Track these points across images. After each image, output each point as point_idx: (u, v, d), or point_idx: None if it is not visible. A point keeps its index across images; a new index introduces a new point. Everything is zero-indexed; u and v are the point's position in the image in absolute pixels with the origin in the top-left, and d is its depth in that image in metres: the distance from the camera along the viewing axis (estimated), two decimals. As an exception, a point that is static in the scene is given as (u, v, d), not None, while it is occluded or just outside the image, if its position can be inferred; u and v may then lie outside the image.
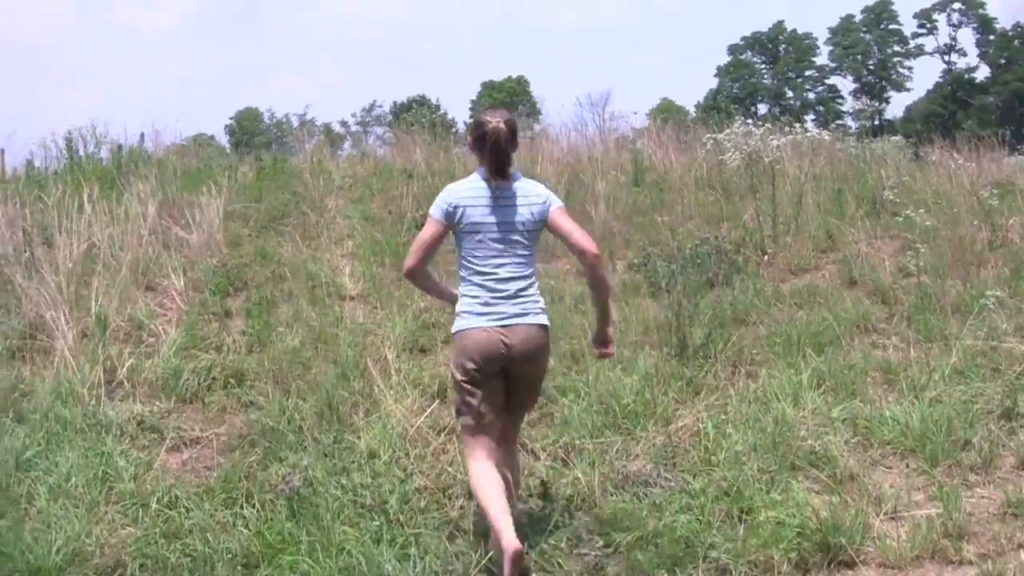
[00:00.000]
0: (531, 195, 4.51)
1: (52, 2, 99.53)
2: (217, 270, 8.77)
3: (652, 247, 9.14)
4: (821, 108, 65.33)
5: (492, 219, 4.42)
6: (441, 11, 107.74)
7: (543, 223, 4.50)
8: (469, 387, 4.39)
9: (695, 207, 10.90)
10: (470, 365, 4.37)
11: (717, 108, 22.00)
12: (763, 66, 71.08)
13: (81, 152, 13.28)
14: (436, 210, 4.48)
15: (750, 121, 10.56)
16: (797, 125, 10.92)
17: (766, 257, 9.21)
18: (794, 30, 70.00)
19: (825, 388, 6.17)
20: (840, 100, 66.62)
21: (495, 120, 4.45)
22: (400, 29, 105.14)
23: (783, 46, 70.18)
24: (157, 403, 6.32)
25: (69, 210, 9.13)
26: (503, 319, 4.38)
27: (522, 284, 4.44)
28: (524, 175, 4.65)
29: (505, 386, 4.45)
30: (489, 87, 59.81)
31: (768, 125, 10.37)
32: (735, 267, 8.78)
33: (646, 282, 8.46)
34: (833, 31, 68.54)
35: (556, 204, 4.53)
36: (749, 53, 71.14)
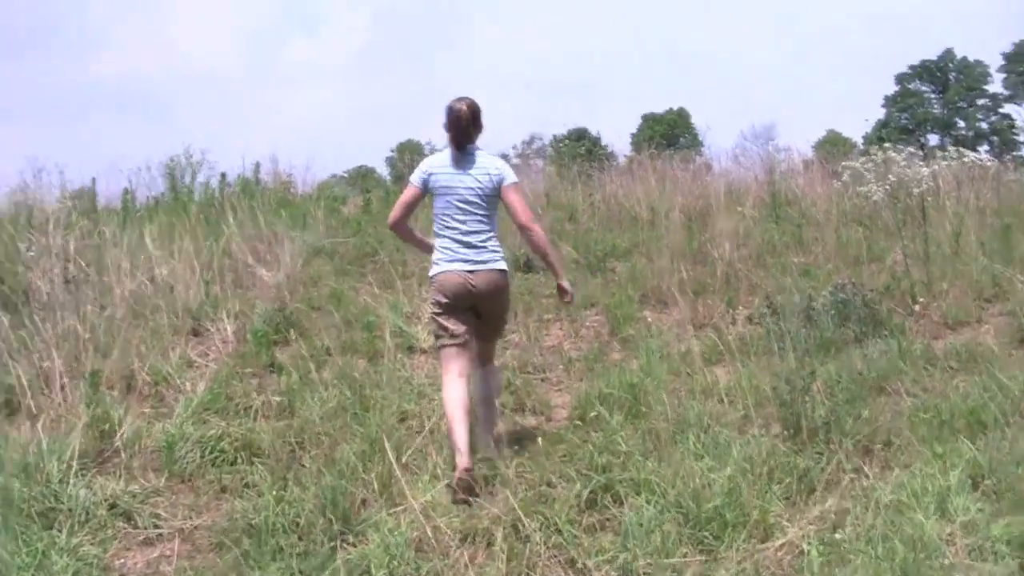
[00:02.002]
0: (488, 167, 5.46)
1: (226, 40, 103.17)
2: (274, 315, 7.69)
3: (779, 294, 7.64)
4: (995, 138, 60.97)
5: (456, 184, 5.42)
6: (606, 45, 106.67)
7: (497, 191, 5.44)
8: (443, 315, 5.41)
9: (836, 246, 9.32)
10: (443, 299, 5.39)
11: (882, 139, 20.04)
12: (932, 95, 67.02)
13: (187, 179, 12.55)
14: (415, 177, 5.56)
15: (888, 145, 8.87)
16: (951, 149, 9.13)
17: (916, 307, 7.63)
18: (964, 57, 65.73)
19: (984, 491, 4.60)
20: (1016, 130, 62.00)
21: (459, 104, 5.45)
22: (565, 63, 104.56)
23: (953, 74, 66.00)
24: (146, 480, 5.22)
25: (131, 244, 8.31)
26: (469, 265, 5.37)
27: (483, 237, 5.42)
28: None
29: (474, 319, 5.46)
30: (649, 119, 58.31)
31: (912, 149, 8.70)
32: (877, 320, 7.21)
33: (768, 338, 6.97)
34: (1007, 57, 63.93)
35: (510, 180, 5.48)
36: (918, 82, 67.20)
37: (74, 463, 5.07)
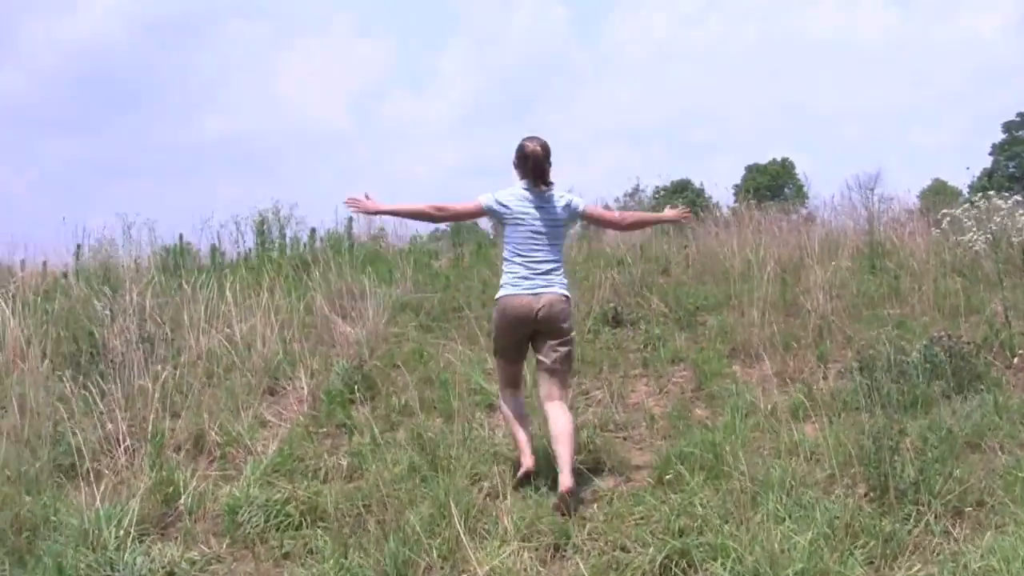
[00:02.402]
0: (562, 199, 5.89)
1: (333, 101, 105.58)
2: (352, 373, 7.51)
3: (873, 347, 7.18)
4: (1104, 187, 58.35)
5: (535, 215, 5.77)
6: (711, 98, 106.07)
7: (575, 217, 6.01)
8: (505, 335, 5.81)
9: (934, 297, 8.79)
10: (506, 321, 5.74)
11: (987, 187, 19.26)
12: (1042, 143, 64.54)
13: (275, 234, 12.57)
14: (484, 199, 5.85)
15: (991, 193, 8.34)
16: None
17: (1016, 360, 7.10)
18: (1075, 105, 63.26)
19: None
20: None
21: (533, 144, 5.81)
22: (667, 114, 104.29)
23: (1063, 122, 63.56)
24: (208, 546, 5.03)
25: (210, 301, 8.26)
26: (535, 289, 5.68)
27: (551, 266, 5.77)
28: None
29: (533, 341, 5.82)
30: (753, 170, 57.53)
31: (1018, 198, 8.15)
32: (973, 374, 6.72)
33: (860, 393, 6.52)
34: (1120, 104, 61.35)
35: (583, 203, 6.04)
36: (1026, 130, 64.83)
37: (132, 529, 4.92)
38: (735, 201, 22.26)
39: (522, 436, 5.72)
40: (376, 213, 6.16)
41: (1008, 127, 64.81)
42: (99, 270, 9.59)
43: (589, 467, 5.93)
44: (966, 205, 8.20)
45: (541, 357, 5.76)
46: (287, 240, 12.65)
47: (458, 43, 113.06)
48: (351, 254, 12.11)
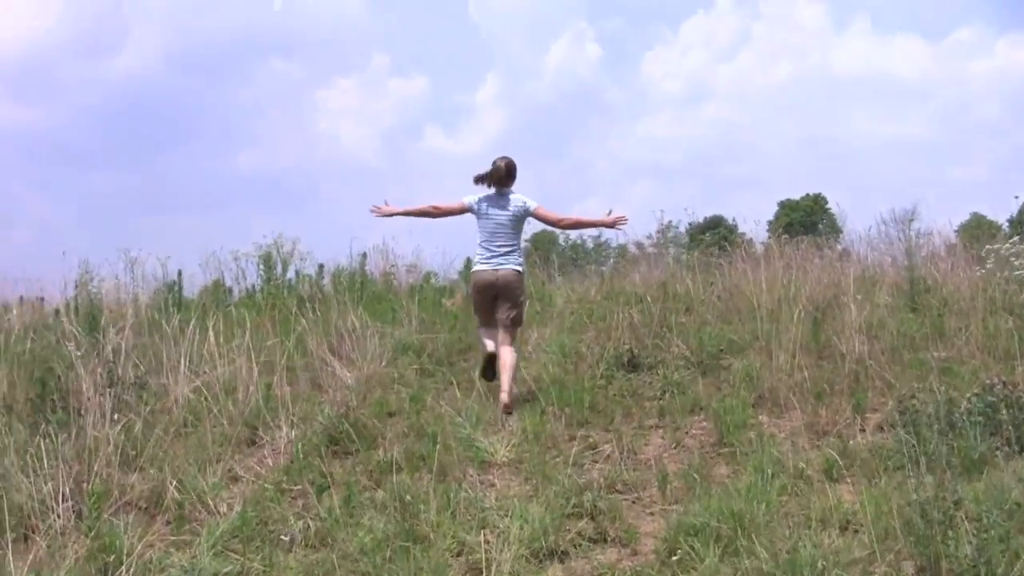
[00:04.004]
0: (518, 201, 7.90)
1: (368, 138, 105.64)
2: (337, 422, 6.84)
3: (915, 396, 6.43)
4: None
5: (497, 212, 7.85)
6: (744, 134, 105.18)
7: (527, 215, 7.91)
8: (476, 299, 8.04)
9: (983, 338, 8.03)
10: (476, 288, 7.97)
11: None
12: (1081, 177, 63.14)
13: (279, 269, 11.96)
14: (467, 200, 7.92)
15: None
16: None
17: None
18: (1118, 135, 61.90)
19: None
20: None
21: (500, 162, 7.90)
22: (699, 150, 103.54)
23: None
24: (142, 628, 4.38)
25: (192, 342, 7.66)
26: (495, 266, 7.80)
27: (508, 249, 7.83)
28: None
29: (495, 301, 7.87)
30: (786, 206, 56.53)
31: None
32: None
33: (903, 451, 5.77)
34: None
35: (534, 204, 7.91)
36: (1068, 161, 63.51)
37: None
38: (768, 237, 21.52)
39: (487, 339, 7.93)
40: (392, 215, 8.02)
41: (1048, 160, 63.43)
42: (85, 308, 8.98)
43: (590, 536, 5.25)
44: (1015, 239, 7.43)
45: (498, 315, 7.84)
46: (288, 276, 12.00)
47: (492, 80, 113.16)
48: (357, 290, 11.49)
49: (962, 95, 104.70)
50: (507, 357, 7.63)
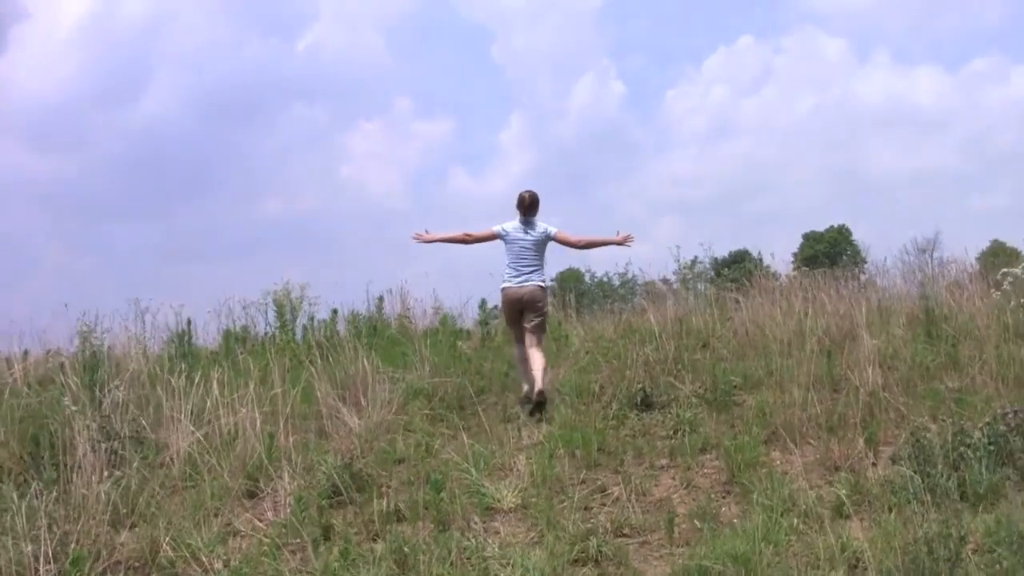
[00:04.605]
0: (541, 227, 9.05)
1: (393, 181, 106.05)
2: (341, 471, 6.68)
3: (927, 428, 6.22)
4: None
5: (523, 237, 8.99)
6: (769, 168, 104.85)
7: (548, 239, 9.04)
8: (505, 313, 9.21)
9: (996, 366, 7.80)
10: (505, 304, 9.07)
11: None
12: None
13: (288, 316, 11.82)
14: (496, 228, 9.09)
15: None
16: None
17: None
18: None
19: None
20: None
21: (526, 193, 9.05)
22: (726, 186, 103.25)
23: None
24: None
25: (193, 394, 7.55)
26: (521, 283, 8.89)
27: (532, 269, 8.96)
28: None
29: (522, 314, 8.96)
30: (810, 238, 56.14)
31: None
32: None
33: (914, 483, 5.56)
34: None
35: (554, 230, 9.08)
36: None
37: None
38: (792, 269, 21.30)
39: (526, 370, 8.76)
40: (432, 241, 9.06)
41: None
42: (86, 360, 8.87)
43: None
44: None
45: (525, 324, 8.89)
46: (298, 323, 11.84)
47: (516, 121, 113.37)
48: (369, 335, 11.35)
49: (981, 123, 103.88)
50: (537, 359, 8.59)
